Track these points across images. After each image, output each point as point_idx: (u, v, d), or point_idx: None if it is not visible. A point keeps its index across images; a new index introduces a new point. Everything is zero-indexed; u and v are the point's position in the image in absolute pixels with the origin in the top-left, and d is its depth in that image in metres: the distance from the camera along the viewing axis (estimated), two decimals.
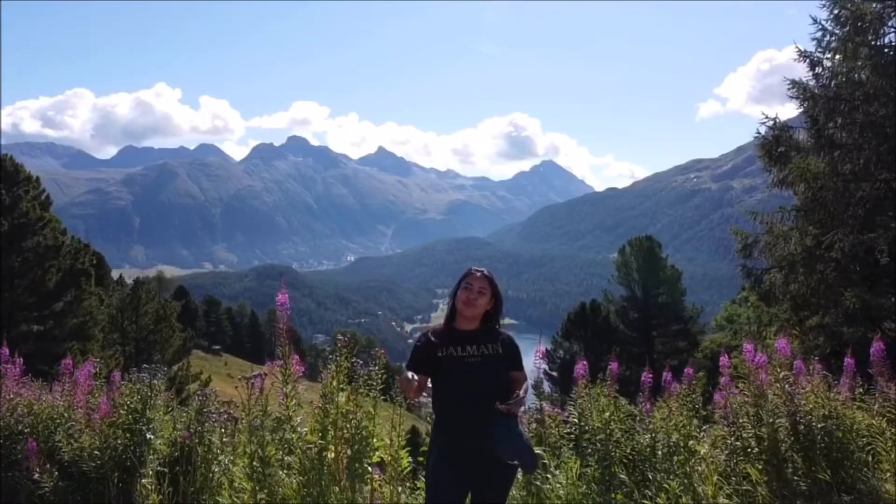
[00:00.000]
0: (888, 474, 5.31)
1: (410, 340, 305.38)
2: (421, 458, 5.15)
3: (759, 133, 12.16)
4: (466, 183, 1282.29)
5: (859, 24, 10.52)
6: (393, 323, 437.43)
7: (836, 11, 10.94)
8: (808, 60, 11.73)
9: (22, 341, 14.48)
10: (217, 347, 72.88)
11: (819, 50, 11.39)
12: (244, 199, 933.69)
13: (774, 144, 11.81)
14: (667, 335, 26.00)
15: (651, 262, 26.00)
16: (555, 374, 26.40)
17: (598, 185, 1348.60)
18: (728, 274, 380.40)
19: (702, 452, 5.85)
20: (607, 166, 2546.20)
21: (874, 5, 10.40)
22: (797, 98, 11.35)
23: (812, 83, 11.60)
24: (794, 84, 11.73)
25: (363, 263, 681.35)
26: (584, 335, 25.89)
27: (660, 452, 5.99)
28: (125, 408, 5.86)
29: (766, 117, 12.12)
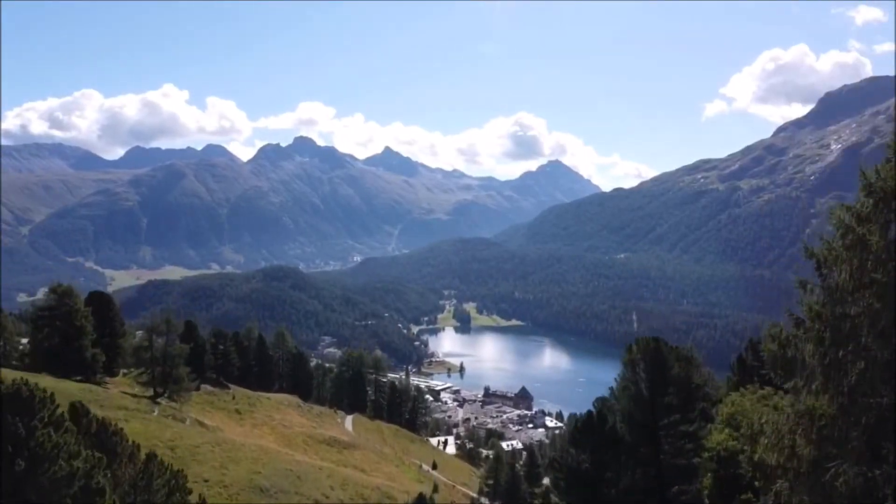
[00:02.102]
0: None
1: (417, 343, 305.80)
2: None
3: (766, 348, 12.18)
4: (473, 183, 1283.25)
5: (864, 248, 10.55)
6: (399, 325, 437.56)
7: (841, 232, 10.98)
8: (815, 260, 11.78)
9: None
10: (219, 378, 72.96)
11: (829, 255, 11.38)
12: (251, 199, 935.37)
13: (782, 356, 11.84)
14: (674, 436, 25.92)
15: (658, 362, 25.97)
16: (562, 483, 26.43)
17: (605, 185, 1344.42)
18: (735, 275, 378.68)
19: None
20: (614, 165, 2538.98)
21: (880, 241, 10.42)
22: (803, 315, 11.41)
23: (818, 290, 11.60)
24: (802, 285, 11.76)
25: (369, 264, 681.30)
26: (591, 442, 25.83)
27: None
28: None
29: (773, 324, 12.16)
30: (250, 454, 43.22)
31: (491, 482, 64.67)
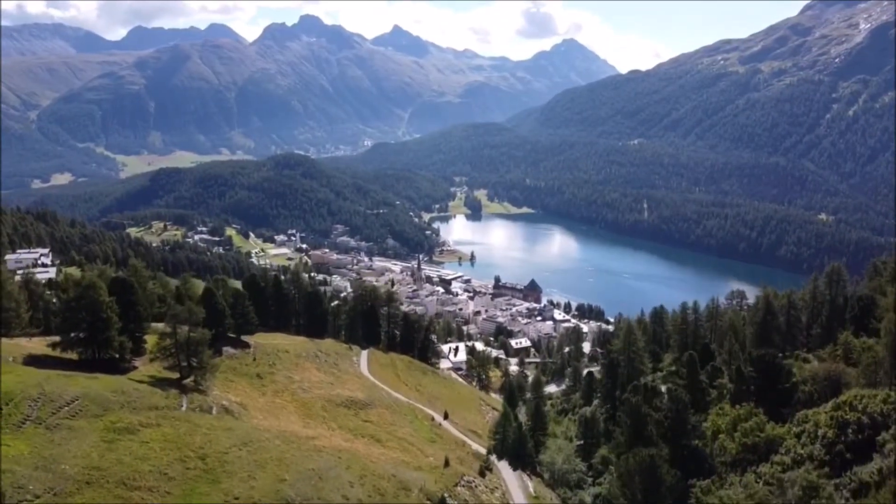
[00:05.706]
0: None
1: (428, 231, 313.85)
2: None
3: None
4: (484, 63, 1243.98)
5: None
6: (411, 213, 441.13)
7: None
8: None
9: None
10: (239, 337, 75.75)
11: None
12: (258, 82, 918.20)
13: None
14: None
15: (652, 476, 27.73)
16: None
17: (621, 66, 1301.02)
18: (750, 162, 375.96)
19: None
20: (631, 45, 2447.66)
21: None
22: None
23: None
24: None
25: (380, 149, 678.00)
26: None
27: None
28: None
29: None
30: (275, 453, 46.57)
31: (499, 436, 68.67)
